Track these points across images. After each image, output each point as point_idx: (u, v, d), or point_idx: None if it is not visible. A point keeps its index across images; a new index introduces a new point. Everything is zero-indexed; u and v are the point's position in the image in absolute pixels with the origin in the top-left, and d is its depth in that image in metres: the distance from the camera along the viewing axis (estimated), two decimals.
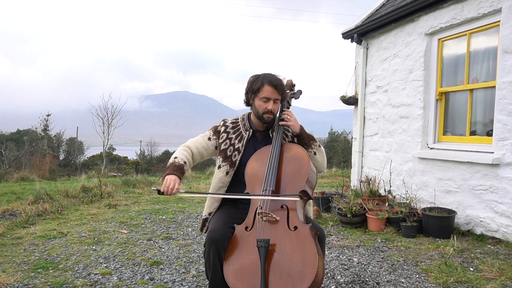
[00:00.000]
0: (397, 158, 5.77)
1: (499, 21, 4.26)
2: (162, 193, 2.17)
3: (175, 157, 2.34)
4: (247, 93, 2.46)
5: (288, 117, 2.40)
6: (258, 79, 2.39)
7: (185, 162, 2.33)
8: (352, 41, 6.73)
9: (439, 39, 5.15)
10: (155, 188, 2.24)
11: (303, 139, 2.44)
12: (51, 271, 3.32)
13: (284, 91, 2.42)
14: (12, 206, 5.89)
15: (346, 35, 6.76)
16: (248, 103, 2.50)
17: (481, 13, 4.42)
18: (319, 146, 2.47)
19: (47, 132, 29.51)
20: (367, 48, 6.56)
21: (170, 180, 2.20)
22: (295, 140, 2.50)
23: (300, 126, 2.44)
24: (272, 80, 2.35)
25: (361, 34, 6.49)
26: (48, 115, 29.64)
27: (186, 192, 2.46)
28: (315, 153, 2.44)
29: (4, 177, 13.41)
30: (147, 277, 3.21)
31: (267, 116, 2.39)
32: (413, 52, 5.45)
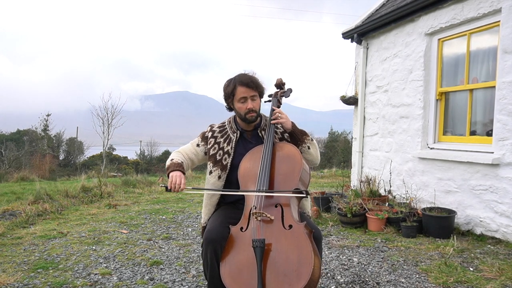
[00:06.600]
0: (397, 158, 5.77)
1: (499, 21, 4.26)
2: (170, 190, 2.19)
3: (172, 159, 2.38)
4: (226, 99, 2.46)
5: (280, 115, 2.38)
6: (230, 82, 2.40)
7: (182, 162, 2.37)
8: (352, 41, 6.73)
9: (439, 39, 5.15)
10: (162, 185, 2.28)
11: (296, 135, 2.44)
12: (51, 271, 3.32)
13: (258, 86, 2.40)
14: (12, 206, 5.89)
15: (346, 35, 6.76)
16: (230, 108, 2.50)
17: (481, 13, 4.42)
18: (312, 140, 2.48)
19: (47, 132, 29.54)
20: (367, 48, 6.56)
21: (176, 176, 2.21)
22: (286, 136, 2.49)
23: (292, 122, 2.43)
24: (242, 80, 2.36)
25: (361, 34, 6.49)
26: (48, 115, 29.69)
27: (193, 189, 2.49)
28: (309, 147, 2.44)
29: (4, 177, 13.41)
30: (147, 277, 3.21)
31: (250, 116, 2.39)
32: (413, 52, 5.45)
